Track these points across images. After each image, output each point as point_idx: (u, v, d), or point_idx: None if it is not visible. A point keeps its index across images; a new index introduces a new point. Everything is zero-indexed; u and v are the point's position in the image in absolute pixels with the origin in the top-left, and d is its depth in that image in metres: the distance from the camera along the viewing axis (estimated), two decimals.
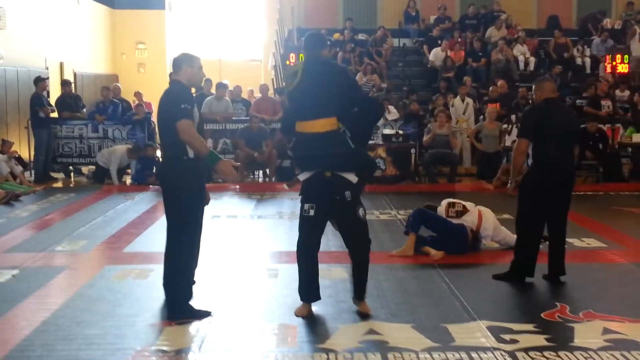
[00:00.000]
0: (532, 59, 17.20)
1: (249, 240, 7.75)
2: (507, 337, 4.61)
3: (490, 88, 14.31)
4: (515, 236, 6.29)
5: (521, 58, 17.10)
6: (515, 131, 12.29)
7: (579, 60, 17.26)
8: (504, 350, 4.38)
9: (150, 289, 5.79)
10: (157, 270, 6.29)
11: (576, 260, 6.58)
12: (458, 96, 13.96)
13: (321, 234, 5.20)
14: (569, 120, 6.12)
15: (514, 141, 11.94)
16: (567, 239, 6.67)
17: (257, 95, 14.60)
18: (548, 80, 6.32)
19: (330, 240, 7.45)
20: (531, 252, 5.99)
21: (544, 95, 6.03)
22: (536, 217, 5.95)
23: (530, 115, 6.17)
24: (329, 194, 5.05)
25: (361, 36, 18.13)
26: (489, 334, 4.68)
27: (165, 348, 4.46)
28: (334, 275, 6.12)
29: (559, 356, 4.31)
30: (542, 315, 5.08)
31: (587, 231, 8.00)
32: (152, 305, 5.33)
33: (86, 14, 18.82)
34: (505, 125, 12.57)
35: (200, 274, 6.24)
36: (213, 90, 15.15)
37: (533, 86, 6.39)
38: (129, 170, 12.70)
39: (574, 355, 4.32)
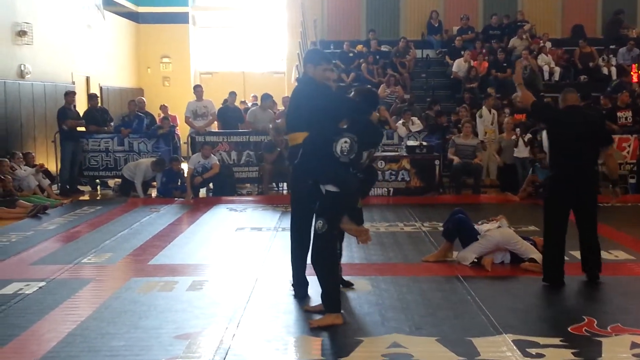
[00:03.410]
0: (557, 69, 17.07)
1: (272, 253, 7.75)
2: (533, 351, 4.56)
3: (517, 99, 14.14)
4: (529, 246, 6.78)
5: (546, 68, 16.98)
6: (521, 144, 12.23)
7: (604, 70, 17.11)
8: None
9: (174, 301, 5.82)
10: (182, 282, 6.37)
11: (604, 273, 6.47)
12: (484, 107, 13.86)
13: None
14: (585, 125, 6.26)
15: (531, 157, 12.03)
16: None
17: (281, 108, 14.66)
18: (571, 92, 6.50)
19: (355, 252, 7.47)
20: (555, 254, 6.23)
21: (567, 104, 6.36)
22: (554, 217, 6.23)
23: (550, 110, 6.73)
24: (312, 203, 5.28)
25: (384, 47, 18.14)
26: (515, 347, 4.62)
27: None
28: (357, 288, 6.12)
29: None
30: (569, 329, 5.01)
31: (615, 243, 7.89)
32: (176, 317, 5.35)
33: (112, 29, 19.05)
34: (513, 137, 12.45)
35: (224, 286, 6.30)
36: (237, 103, 15.33)
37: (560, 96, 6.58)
38: (155, 183, 12.78)
39: None
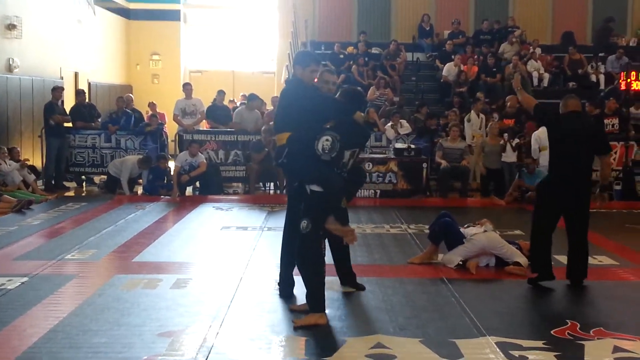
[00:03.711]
0: (546, 75, 17.15)
1: (258, 252, 7.73)
2: (516, 353, 4.56)
3: (508, 104, 14.16)
4: (514, 251, 6.88)
5: (535, 74, 17.05)
6: (509, 149, 12.25)
7: (593, 77, 17.19)
8: None
9: (158, 298, 5.79)
10: (166, 280, 6.34)
11: (588, 278, 6.51)
12: (473, 111, 13.89)
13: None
14: (584, 130, 6.35)
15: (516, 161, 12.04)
16: None
17: (270, 108, 14.63)
18: (572, 98, 6.60)
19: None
20: (541, 252, 6.33)
21: (568, 110, 6.45)
22: (545, 218, 6.35)
23: (552, 114, 6.65)
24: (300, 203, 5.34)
25: (375, 50, 18.16)
26: (498, 349, 4.63)
27: (171, 358, 4.44)
28: (343, 288, 6.11)
29: None
30: (552, 332, 5.02)
31: (600, 249, 7.92)
32: (159, 315, 5.33)
33: (102, 25, 18.96)
34: (501, 142, 12.47)
35: (208, 284, 6.28)
36: (225, 102, 15.29)
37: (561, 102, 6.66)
38: (141, 181, 12.72)
39: None
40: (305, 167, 5.16)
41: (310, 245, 5.21)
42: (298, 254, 5.34)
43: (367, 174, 11.97)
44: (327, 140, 5.10)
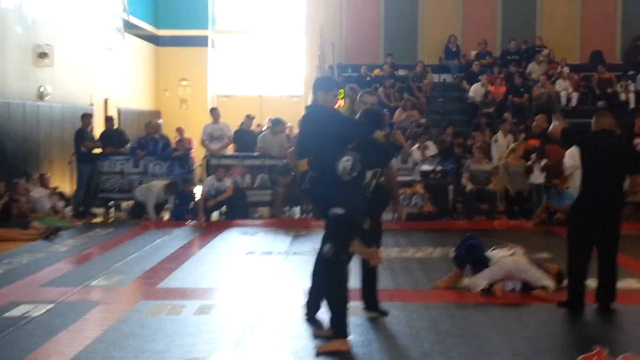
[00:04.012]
0: (575, 94, 16.98)
1: (283, 277, 7.72)
2: None
3: (534, 124, 14.04)
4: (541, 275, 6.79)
5: (563, 93, 16.90)
6: (537, 170, 12.09)
7: (622, 96, 16.99)
8: None
9: (182, 324, 5.80)
10: (190, 306, 6.35)
11: (617, 302, 6.38)
12: (500, 132, 13.79)
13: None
14: (614, 148, 6.29)
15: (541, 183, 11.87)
16: None
17: (297, 131, 14.65)
18: (605, 115, 6.56)
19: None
20: (577, 279, 6.23)
21: (600, 127, 6.39)
22: (581, 243, 6.23)
23: (581, 133, 6.69)
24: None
25: (401, 72, 18.16)
26: None
27: None
28: (367, 313, 6.05)
29: None
30: (579, 358, 4.91)
31: (629, 271, 7.76)
32: (183, 341, 5.32)
33: (131, 51, 19.24)
34: (529, 163, 12.31)
35: (232, 310, 6.27)
36: (253, 128, 15.37)
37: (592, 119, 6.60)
38: (168, 206, 12.80)
39: None
40: (328, 190, 5.16)
41: (334, 269, 5.19)
42: (323, 278, 5.31)
43: None
44: (347, 160, 5.09)
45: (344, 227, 5.14)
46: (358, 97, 5.75)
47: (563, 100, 16.74)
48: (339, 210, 5.12)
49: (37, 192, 11.93)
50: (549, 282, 6.71)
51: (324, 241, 5.29)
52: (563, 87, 17.00)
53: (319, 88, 5.48)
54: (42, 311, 6.17)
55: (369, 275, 6.05)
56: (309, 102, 18.03)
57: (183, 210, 12.28)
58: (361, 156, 5.14)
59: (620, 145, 6.42)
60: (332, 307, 5.26)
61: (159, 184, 12.59)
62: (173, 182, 12.61)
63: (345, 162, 5.09)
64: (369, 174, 5.34)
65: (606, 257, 6.28)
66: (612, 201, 6.25)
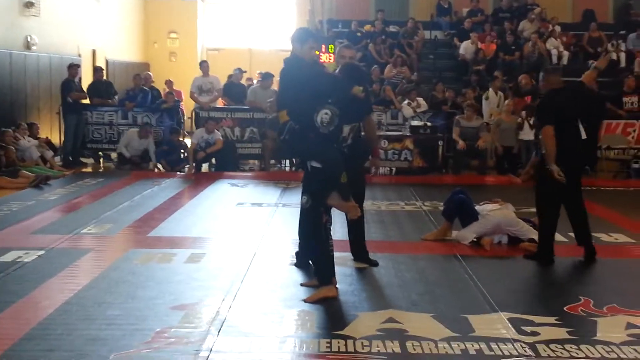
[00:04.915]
0: (566, 53, 16.94)
1: (272, 228, 7.76)
2: (528, 329, 4.55)
3: (522, 81, 14.03)
4: (529, 228, 6.83)
5: (554, 52, 16.85)
6: (527, 127, 12.15)
7: (613, 55, 16.95)
8: (525, 342, 4.33)
9: (172, 272, 5.84)
10: (180, 255, 6.39)
11: (602, 255, 6.49)
12: (491, 89, 13.78)
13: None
14: (578, 106, 6.37)
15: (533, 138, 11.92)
16: (594, 234, 6.72)
17: None
18: (553, 73, 6.61)
19: None
20: (551, 234, 6.35)
21: (549, 86, 6.47)
22: (553, 199, 6.30)
23: (541, 106, 6.59)
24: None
25: (392, 28, 18.01)
26: (510, 325, 4.62)
27: (184, 330, 4.48)
28: (356, 264, 6.12)
29: (580, 349, 4.24)
30: (565, 308, 5.01)
31: (615, 226, 7.89)
32: (173, 289, 5.37)
33: (120, 2, 18.97)
34: (519, 120, 12.35)
35: (222, 259, 6.32)
36: (243, 81, 15.27)
37: (542, 75, 6.77)
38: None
39: (596, 349, 4.25)
40: (305, 143, 5.16)
41: (312, 220, 5.24)
42: (301, 229, 5.40)
43: (383, 151, 11.96)
44: (326, 113, 5.08)
45: (321, 180, 5.17)
46: (336, 51, 5.68)
47: (554, 59, 16.71)
48: (316, 164, 5.14)
49: (26, 142, 11.85)
50: (537, 235, 6.78)
51: (303, 192, 5.32)
52: (554, 46, 16.94)
53: (296, 40, 5.39)
54: (33, 257, 6.20)
55: (355, 228, 6.09)
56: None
57: (172, 160, 12.29)
58: (339, 110, 5.14)
59: (578, 104, 6.41)
60: (314, 256, 5.33)
61: (132, 131, 12.70)
62: (145, 124, 12.75)
63: (323, 115, 5.08)
64: (346, 129, 5.36)
65: (575, 204, 6.45)
66: (581, 155, 6.39)
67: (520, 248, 6.76)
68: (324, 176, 5.15)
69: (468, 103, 12.77)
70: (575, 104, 6.38)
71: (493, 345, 4.28)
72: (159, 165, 12.48)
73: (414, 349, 4.23)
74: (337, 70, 5.69)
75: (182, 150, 12.77)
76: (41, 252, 6.37)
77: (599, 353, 4.20)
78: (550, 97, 6.42)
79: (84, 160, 13.42)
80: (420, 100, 13.53)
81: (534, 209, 8.04)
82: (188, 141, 12.98)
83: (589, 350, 4.24)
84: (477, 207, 7.13)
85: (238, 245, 6.87)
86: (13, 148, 11.33)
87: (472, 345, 4.28)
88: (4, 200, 9.07)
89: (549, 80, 6.49)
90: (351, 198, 5.29)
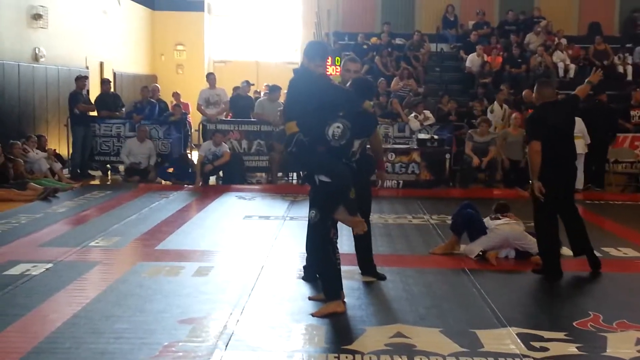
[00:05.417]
0: (572, 66, 16.95)
1: (280, 241, 7.76)
2: (537, 344, 4.53)
3: (524, 94, 14.02)
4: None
5: (561, 65, 16.86)
6: None
7: (620, 68, 16.96)
8: (534, 358, 4.31)
9: (180, 285, 5.84)
10: (188, 268, 6.39)
11: (611, 270, 6.47)
12: (496, 102, 13.79)
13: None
14: (567, 120, 6.45)
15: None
16: (603, 248, 6.70)
17: None
18: (546, 86, 6.59)
19: None
20: (555, 248, 6.35)
21: (542, 99, 6.45)
22: (548, 211, 6.31)
23: (532, 119, 6.55)
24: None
25: (398, 40, 18.07)
26: (519, 340, 4.60)
27: (192, 344, 4.48)
28: (363, 278, 6.11)
29: None
30: (574, 324, 4.98)
31: (624, 240, 7.85)
32: (181, 302, 5.36)
33: (127, 15, 19.08)
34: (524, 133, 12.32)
35: (230, 272, 6.31)
36: (250, 94, 15.33)
37: (535, 88, 6.69)
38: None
39: None
40: (314, 157, 5.15)
41: (320, 234, 5.23)
42: (308, 244, 5.36)
43: (390, 164, 11.96)
44: (337, 127, 5.07)
45: (329, 194, 5.16)
46: (342, 64, 5.67)
47: (560, 72, 16.72)
48: (324, 178, 5.13)
49: (35, 154, 11.89)
50: None
51: (310, 206, 5.31)
52: (560, 59, 16.96)
53: (305, 54, 5.40)
54: (41, 270, 6.20)
55: (363, 242, 6.07)
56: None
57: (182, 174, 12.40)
58: (350, 125, 5.13)
59: (566, 118, 6.46)
60: (321, 271, 5.32)
61: (130, 140, 12.95)
62: (140, 125, 12.99)
63: (335, 129, 5.07)
64: (356, 143, 5.35)
65: (571, 212, 6.47)
66: (573, 166, 6.47)
67: (531, 262, 6.73)
68: (332, 190, 5.15)
69: (483, 118, 12.75)
70: (568, 118, 6.43)
71: None
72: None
73: None
74: (347, 84, 5.68)
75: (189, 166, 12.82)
76: (49, 265, 6.39)
77: None
78: (542, 110, 6.42)
79: (91, 172, 13.46)
80: (427, 113, 13.54)
81: None
82: (195, 154, 13.01)
83: None
84: (485, 221, 7.11)
85: (246, 259, 6.86)
86: (21, 160, 11.36)
87: None
88: (12, 213, 9.10)
89: (541, 93, 6.46)
90: (358, 213, 5.28)
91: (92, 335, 4.60)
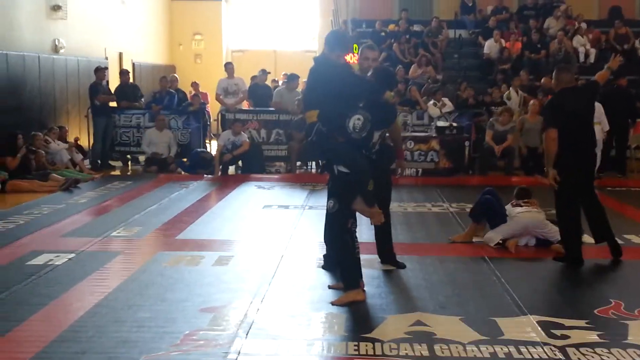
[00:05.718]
0: (593, 51, 16.76)
1: (299, 230, 7.78)
2: (557, 332, 4.52)
3: (542, 81, 13.91)
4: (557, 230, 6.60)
5: (581, 50, 16.68)
6: None
7: None
8: (554, 346, 4.30)
9: (201, 275, 5.88)
10: (208, 257, 6.44)
11: (633, 257, 6.43)
12: (511, 88, 13.69)
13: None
14: (587, 106, 6.38)
15: None
16: (625, 235, 6.65)
17: None
18: (565, 72, 6.52)
19: None
20: (578, 235, 6.29)
21: (561, 85, 6.36)
22: (570, 198, 6.25)
23: (550, 106, 6.49)
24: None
25: (416, 27, 17.95)
26: (539, 328, 4.60)
27: (213, 333, 4.52)
28: (383, 266, 6.12)
29: (611, 353, 4.20)
30: (595, 311, 4.97)
31: None
32: (202, 291, 5.41)
33: (145, 5, 19.13)
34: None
35: (250, 261, 6.35)
36: (267, 82, 15.32)
37: (553, 74, 6.60)
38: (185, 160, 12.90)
39: (627, 352, 4.21)
40: (333, 147, 5.15)
41: (338, 224, 5.24)
42: (327, 233, 5.41)
43: (409, 152, 11.93)
44: (358, 119, 5.06)
45: (347, 185, 5.16)
46: (359, 51, 5.62)
47: (581, 57, 16.54)
48: (343, 169, 5.13)
49: (56, 145, 12.00)
50: None
51: (329, 196, 5.32)
52: (580, 44, 16.77)
53: (326, 43, 5.37)
54: (64, 260, 6.28)
55: (382, 231, 6.07)
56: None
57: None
58: (371, 116, 5.12)
59: (585, 104, 6.39)
60: (340, 260, 5.33)
61: (149, 130, 12.99)
62: (157, 113, 13.02)
63: (356, 121, 5.05)
64: (376, 135, 5.34)
65: (591, 198, 6.40)
66: (593, 153, 6.44)
67: (552, 250, 6.70)
68: (350, 182, 5.15)
69: (505, 107, 12.65)
70: (588, 104, 6.37)
71: (522, 349, 4.26)
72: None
73: (442, 352, 4.22)
74: (369, 74, 5.64)
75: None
76: (72, 255, 6.46)
77: (631, 357, 4.16)
78: (561, 96, 6.35)
79: (112, 163, 13.55)
80: (446, 100, 13.47)
81: None
82: (214, 144, 13.06)
83: (620, 354, 4.20)
84: (507, 207, 7.08)
85: (265, 248, 6.90)
86: (43, 152, 11.47)
87: (501, 349, 4.26)
88: (35, 204, 9.20)
89: (560, 79, 6.39)
90: (375, 204, 5.28)
91: (114, 324, 4.66)
